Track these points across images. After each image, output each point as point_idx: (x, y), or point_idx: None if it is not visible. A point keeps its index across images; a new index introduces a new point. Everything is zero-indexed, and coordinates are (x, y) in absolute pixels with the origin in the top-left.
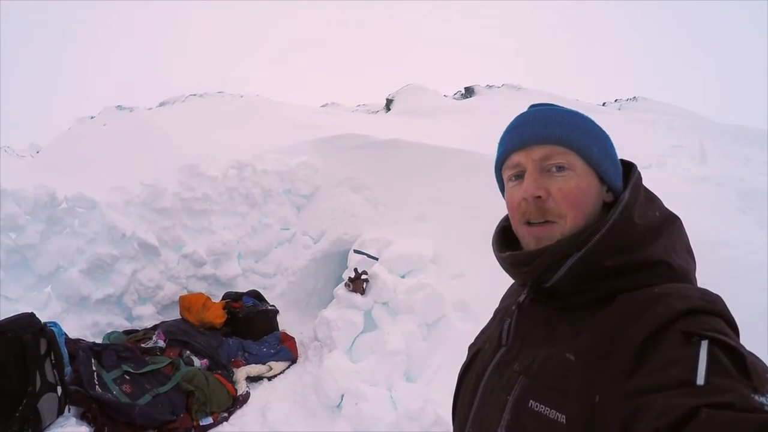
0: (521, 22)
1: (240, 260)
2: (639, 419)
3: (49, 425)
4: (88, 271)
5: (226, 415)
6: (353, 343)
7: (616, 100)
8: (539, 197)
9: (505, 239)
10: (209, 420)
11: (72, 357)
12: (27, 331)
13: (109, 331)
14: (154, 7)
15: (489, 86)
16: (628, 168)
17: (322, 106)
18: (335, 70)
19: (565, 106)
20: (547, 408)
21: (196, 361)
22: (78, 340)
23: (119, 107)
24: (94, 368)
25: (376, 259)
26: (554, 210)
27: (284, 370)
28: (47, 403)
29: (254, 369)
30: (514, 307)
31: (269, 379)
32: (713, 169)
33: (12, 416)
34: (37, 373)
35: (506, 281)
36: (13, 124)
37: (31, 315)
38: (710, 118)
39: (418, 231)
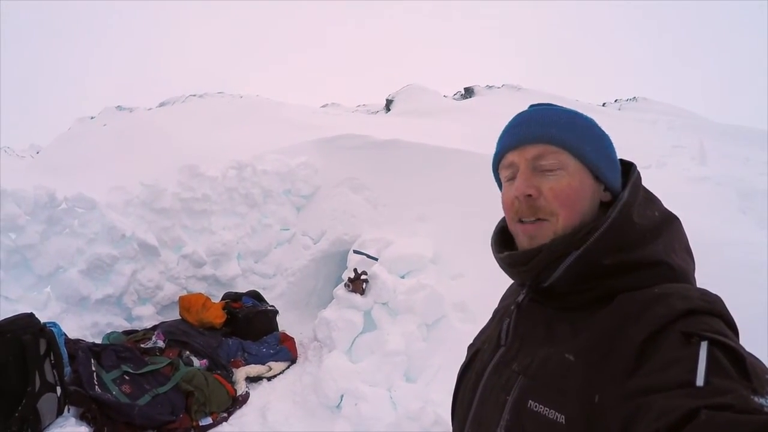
0: (521, 23)
1: (240, 260)
2: (639, 420)
3: (48, 425)
4: (87, 271)
5: (225, 415)
6: (353, 343)
7: (616, 101)
8: (530, 196)
9: (504, 239)
10: (209, 420)
11: (71, 357)
12: (26, 331)
13: (109, 331)
14: (154, 7)
15: (489, 87)
16: (628, 168)
17: (322, 106)
18: (335, 70)
19: (565, 106)
20: (546, 408)
21: (196, 362)
22: (77, 341)
23: (119, 107)
24: (93, 368)
25: (376, 259)
26: (545, 208)
27: (284, 371)
28: (47, 403)
29: (254, 369)
30: (513, 307)
31: (269, 379)
32: (713, 169)
33: (11, 416)
34: (37, 373)
35: (506, 281)
36: (13, 125)
37: (31, 315)
38: (710, 118)
39: (417, 231)
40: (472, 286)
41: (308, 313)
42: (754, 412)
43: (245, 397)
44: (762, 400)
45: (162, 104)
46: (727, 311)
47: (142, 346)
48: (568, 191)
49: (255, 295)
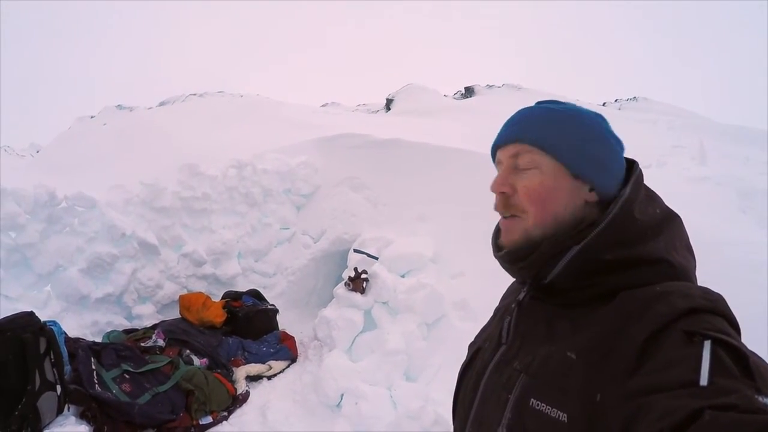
0: (521, 22)
1: (240, 259)
2: (641, 420)
3: (48, 424)
4: (87, 270)
5: (225, 414)
6: (353, 342)
7: (616, 100)
8: (503, 193)
9: None
10: (209, 419)
11: (71, 356)
12: (26, 329)
13: (109, 330)
14: (155, 7)
15: (489, 86)
16: (630, 165)
17: (322, 105)
18: (335, 69)
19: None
20: (548, 407)
21: (196, 360)
22: (77, 339)
23: (119, 107)
24: (93, 367)
25: (376, 258)
26: (518, 205)
27: (284, 370)
28: (47, 401)
29: (254, 368)
30: (513, 305)
31: (269, 378)
32: (713, 169)
33: (11, 415)
34: (37, 371)
35: (506, 280)
36: (14, 124)
37: (31, 314)
38: (710, 118)
39: (418, 230)
40: (472, 285)
41: (308, 312)
42: (759, 411)
43: (245, 396)
44: (766, 400)
45: (162, 103)
46: (730, 310)
47: (142, 344)
48: (539, 190)
49: (255, 294)
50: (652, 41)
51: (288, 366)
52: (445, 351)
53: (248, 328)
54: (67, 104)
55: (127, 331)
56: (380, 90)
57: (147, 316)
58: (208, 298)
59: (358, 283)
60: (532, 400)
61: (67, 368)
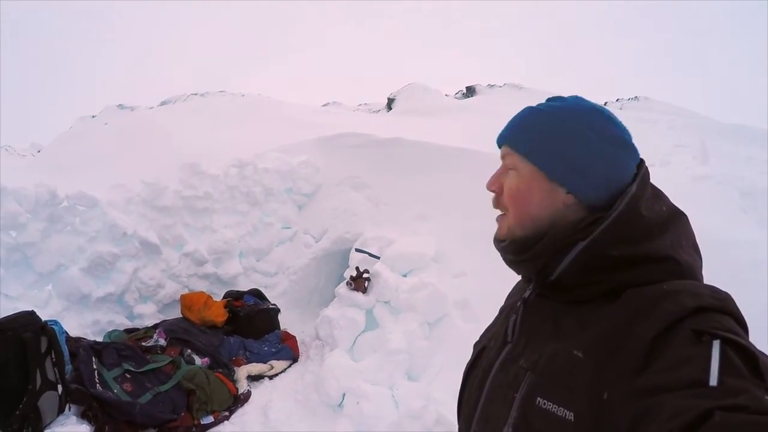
0: (523, 22)
1: (241, 259)
2: (650, 420)
3: (49, 423)
4: (88, 269)
5: (227, 413)
6: (355, 341)
7: (617, 100)
8: (494, 191)
9: None
10: (210, 419)
11: (73, 355)
12: (27, 329)
13: (110, 329)
14: (156, 7)
15: (491, 86)
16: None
17: (324, 105)
18: (336, 69)
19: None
20: (555, 405)
21: (197, 360)
22: (79, 339)
23: (120, 106)
24: (94, 366)
25: (378, 257)
26: (503, 204)
27: (285, 369)
28: (48, 401)
29: (255, 368)
30: (519, 303)
31: (270, 377)
32: (715, 169)
33: (12, 414)
34: (38, 371)
35: (508, 279)
36: (14, 124)
37: (32, 313)
38: (711, 117)
39: (419, 230)
40: (474, 285)
41: (310, 311)
42: None
43: (247, 396)
44: None
45: (163, 103)
46: (738, 309)
47: (143, 344)
48: (515, 191)
49: (256, 294)
50: (654, 41)
51: (289, 365)
52: (447, 350)
53: (250, 327)
54: (69, 104)
55: (129, 331)
56: (381, 90)
57: (148, 315)
58: (209, 297)
59: (359, 282)
60: (539, 398)
61: (68, 367)
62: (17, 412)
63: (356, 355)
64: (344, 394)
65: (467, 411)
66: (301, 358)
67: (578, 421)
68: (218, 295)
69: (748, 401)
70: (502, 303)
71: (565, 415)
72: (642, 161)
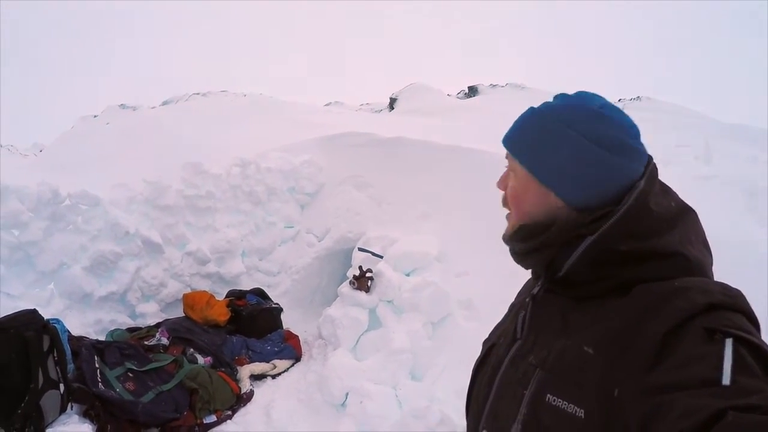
0: (525, 21)
1: (244, 258)
2: (661, 418)
3: (51, 422)
4: (91, 268)
5: (229, 413)
6: (358, 341)
7: (620, 100)
8: (503, 190)
9: None
10: (213, 418)
11: (75, 354)
12: (29, 327)
13: (112, 328)
14: (158, 6)
15: (493, 85)
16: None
17: (326, 105)
18: (338, 69)
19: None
20: (564, 402)
21: (200, 359)
22: (81, 338)
23: (122, 106)
24: (97, 365)
25: (381, 257)
26: (508, 203)
27: (288, 369)
28: (50, 400)
29: (258, 367)
30: (528, 300)
31: (273, 377)
32: (718, 169)
33: (14, 413)
34: (40, 370)
35: (511, 279)
36: (17, 124)
37: (34, 312)
38: (714, 117)
39: (422, 229)
40: (478, 284)
41: (313, 310)
42: None
43: (249, 395)
44: None
45: (165, 103)
46: (749, 306)
47: (145, 343)
48: (512, 193)
49: (259, 293)
50: (656, 41)
51: (292, 365)
52: (451, 350)
53: (252, 326)
54: (71, 104)
55: (131, 330)
56: (383, 90)
57: (151, 314)
58: (212, 296)
59: (362, 281)
60: (548, 395)
61: (71, 366)
62: (19, 411)
63: (359, 354)
64: (347, 394)
65: (476, 408)
66: (304, 358)
67: (588, 417)
68: (221, 295)
69: (761, 401)
70: (506, 302)
71: (575, 411)
72: (650, 157)
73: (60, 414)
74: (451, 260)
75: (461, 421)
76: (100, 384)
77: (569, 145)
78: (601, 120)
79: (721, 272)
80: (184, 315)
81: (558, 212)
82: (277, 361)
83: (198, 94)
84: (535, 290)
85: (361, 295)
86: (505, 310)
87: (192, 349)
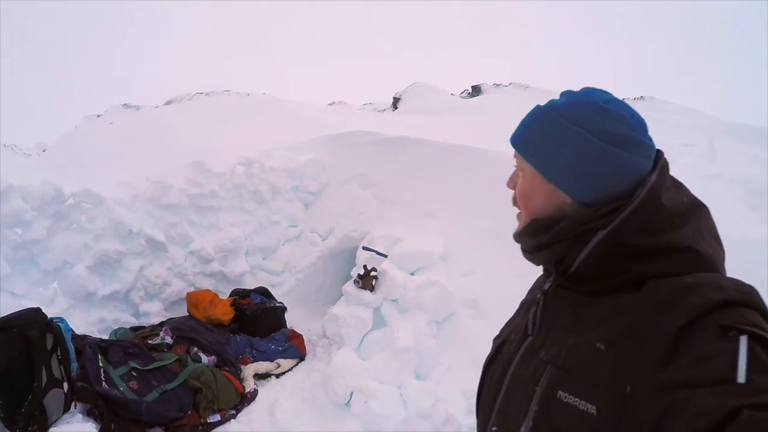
0: (528, 21)
1: (248, 257)
2: (675, 416)
3: (55, 421)
4: (94, 267)
5: (233, 412)
6: (362, 340)
7: (623, 99)
8: (512, 189)
9: None
10: (217, 417)
11: (78, 353)
12: (33, 326)
13: (116, 327)
14: (160, 6)
15: (496, 85)
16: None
17: (330, 104)
18: (342, 69)
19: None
20: (576, 399)
21: (204, 358)
22: (84, 336)
23: (125, 105)
24: (100, 364)
25: (385, 256)
26: (518, 202)
27: (292, 368)
28: (53, 398)
29: (262, 366)
30: (539, 296)
31: (277, 376)
32: (723, 168)
33: (18, 412)
34: (43, 368)
35: (516, 278)
36: (20, 123)
37: (38, 310)
38: (718, 116)
39: (427, 228)
40: (483, 283)
41: (317, 310)
42: None
43: (253, 394)
44: None
45: (168, 102)
46: (763, 303)
47: (149, 342)
48: (521, 192)
49: (263, 292)
50: (660, 40)
51: (296, 364)
52: (455, 349)
53: (256, 326)
54: (74, 103)
55: (135, 329)
56: (387, 89)
57: (154, 313)
58: (215, 295)
59: (367, 280)
60: (560, 391)
61: (74, 365)
62: (23, 410)
63: (364, 353)
64: (352, 393)
65: (486, 405)
66: (308, 357)
67: (600, 414)
68: (224, 294)
69: None
70: (511, 301)
71: (587, 408)
72: (660, 152)
73: (63, 413)
74: (455, 259)
75: (466, 421)
76: (103, 383)
77: (574, 142)
78: (606, 115)
79: (730, 270)
80: (187, 314)
81: (567, 209)
82: (281, 361)
83: (201, 93)
84: (547, 286)
85: (366, 294)
86: (510, 309)
87: (196, 348)
